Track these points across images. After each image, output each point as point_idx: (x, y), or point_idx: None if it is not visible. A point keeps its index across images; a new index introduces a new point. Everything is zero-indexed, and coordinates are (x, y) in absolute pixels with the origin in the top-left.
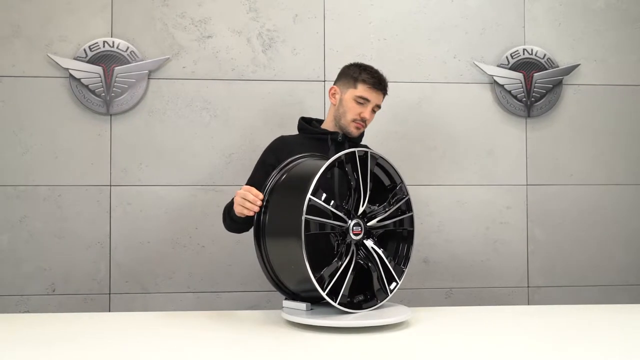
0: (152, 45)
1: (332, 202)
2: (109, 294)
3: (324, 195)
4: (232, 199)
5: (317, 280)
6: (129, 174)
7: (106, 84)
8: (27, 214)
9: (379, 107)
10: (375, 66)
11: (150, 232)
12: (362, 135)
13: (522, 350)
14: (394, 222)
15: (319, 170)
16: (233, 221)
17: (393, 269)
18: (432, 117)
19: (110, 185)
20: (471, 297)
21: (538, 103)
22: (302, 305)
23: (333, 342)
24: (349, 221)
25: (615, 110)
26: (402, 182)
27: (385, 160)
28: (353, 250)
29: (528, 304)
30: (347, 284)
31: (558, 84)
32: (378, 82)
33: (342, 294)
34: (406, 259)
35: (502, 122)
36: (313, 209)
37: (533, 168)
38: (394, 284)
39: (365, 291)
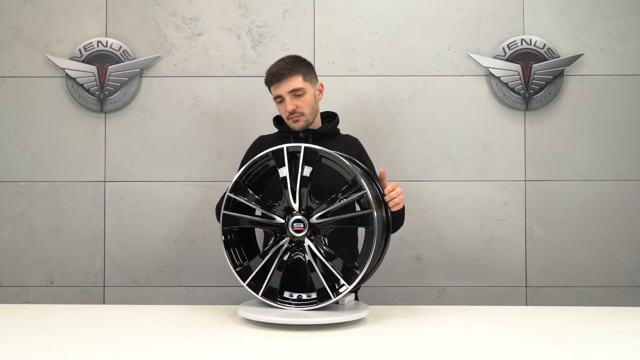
0: (145, 43)
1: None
2: (104, 286)
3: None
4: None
5: (238, 273)
6: (122, 170)
7: (100, 82)
8: (27, 209)
9: (298, 90)
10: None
11: (142, 227)
12: (331, 125)
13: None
14: (350, 218)
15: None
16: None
17: (339, 271)
18: (424, 111)
19: (105, 181)
20: (465, 296)
21: (537, 95)
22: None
23: (267, 338)
24: (279, 218)
25: (622, 102)
26: (356, 176)
27: (333, 155)
28: (282, 246)
29: (526, 305)
30: (274, 279)
31: (559, 75)
32: (273, 76)
33: (269, 287)
34: (361, 259)
35: (498, 116)
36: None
37: (532, 163)
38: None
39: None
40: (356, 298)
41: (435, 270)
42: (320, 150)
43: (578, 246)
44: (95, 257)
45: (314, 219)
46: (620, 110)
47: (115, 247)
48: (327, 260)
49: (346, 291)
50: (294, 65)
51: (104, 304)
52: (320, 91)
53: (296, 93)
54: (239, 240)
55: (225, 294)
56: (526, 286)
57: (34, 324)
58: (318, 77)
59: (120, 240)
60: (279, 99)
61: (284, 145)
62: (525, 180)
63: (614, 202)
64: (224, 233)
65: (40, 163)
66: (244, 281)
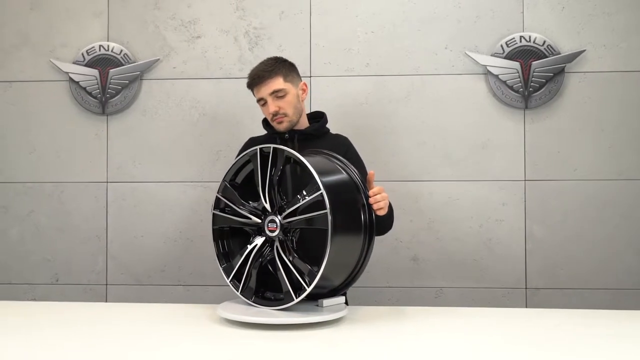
0: (145, 47)
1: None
2: (106, 285)
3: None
4: None
5: (224, 269)
6: (123, 171)
7: (102, 86)
8: (34, 209)
9: (279, 91)
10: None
11: (143, 227)
12: (318, 125)
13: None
14: (310, 218)
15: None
16: None
17: (301, 273)
18: (421, 111)
19: (107, 182)
20: (463, 298)
21: (537, 93)
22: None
23: (244, 337)
24: (255, 218)
25: (626, 99)
26: (313, 176)
27: (296, 155)
28: (256, 245)
29: (526, 307)
30: (252, 277)
31: (559, 72)
32: (253, 79)
33: (248, 286)
34: (319, 261)
35: (497, 114)
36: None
37: (532, 162)
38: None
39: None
40: (346, 302)
41: (433, 271)
42: (286, 151)
43: (579, 247)
44: (97, 256)
45: (280, 218)
46: (624, 108)
47: (117, 247)
48: (290, 262)
49: (305, 293)
50: (274, 67)
51: (106, 301)
52: (304, 90)
53: (278, 94)
54: (229, 236)
55: (221, 292)
56: (526, 288)
57: (40, 320)
58: (315, 78)
59: (121, 240)
60: (262, 102)
61: (257, 147)
62: (524, 180)
63: (616, 202)
64: (214, 231)
65: (45, 165)
66: (227, 278)
